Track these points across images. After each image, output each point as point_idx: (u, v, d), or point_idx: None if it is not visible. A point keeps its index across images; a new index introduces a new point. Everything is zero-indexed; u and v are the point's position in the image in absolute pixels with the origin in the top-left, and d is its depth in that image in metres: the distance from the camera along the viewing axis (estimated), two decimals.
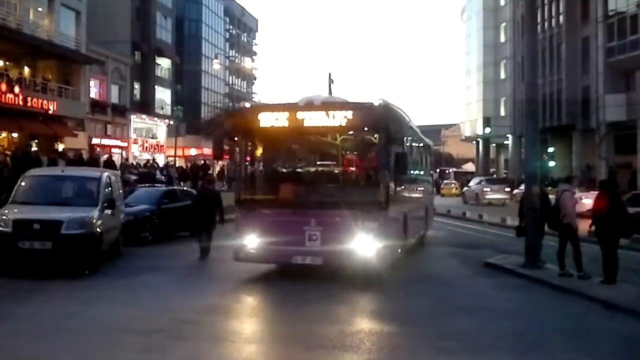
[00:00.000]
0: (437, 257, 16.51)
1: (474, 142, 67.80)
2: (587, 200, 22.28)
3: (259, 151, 13.01)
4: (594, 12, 42.41)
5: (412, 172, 15.24)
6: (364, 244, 10.89)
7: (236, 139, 12.62)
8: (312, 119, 11.43)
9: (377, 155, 11.63)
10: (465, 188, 46.65)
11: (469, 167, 78.69)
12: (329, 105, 11.87)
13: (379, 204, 11.15)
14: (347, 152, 13.39)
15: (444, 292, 11.29)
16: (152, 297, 9.99)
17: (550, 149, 44.91)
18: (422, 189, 18.02)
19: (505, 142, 59.01)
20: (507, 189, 42.55)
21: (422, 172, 18.34)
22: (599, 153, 41.88)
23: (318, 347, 7.34)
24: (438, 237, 20.79)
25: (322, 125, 11.52)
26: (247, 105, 13.35)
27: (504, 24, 59.07)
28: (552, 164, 41.91)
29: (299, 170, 13.51)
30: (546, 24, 47.60)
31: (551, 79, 46.70)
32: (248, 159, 12.66)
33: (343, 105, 12.14)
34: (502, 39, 59.42)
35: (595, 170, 41.35)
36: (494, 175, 57.93)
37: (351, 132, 12.19)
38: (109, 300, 9.89)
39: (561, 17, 46.49)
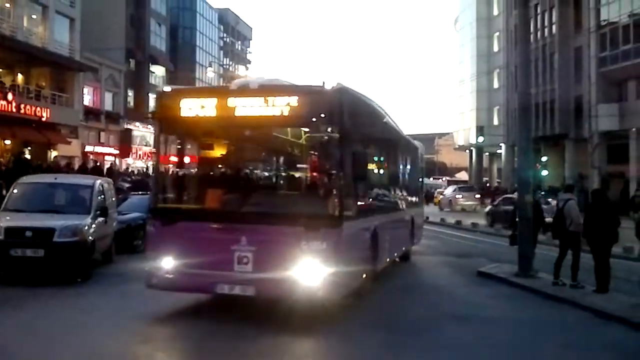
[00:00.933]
0: (430, 266, 16.49)
1: (467, 151, 67.97)
2: None
3: (181, 148, 10.41)
4: (586, 22, 42.69)
5: (389, 177, 13.62)
6: (310, 270, 8.39)
7: (155, 131, 10.04)
8: (248, 107, 8.97)
9: (331, 155, 9.04)
10: (441, 196, 48.54)
11: (462, 175, 78.86)
12: (268, 89, 9.19)
13: (330, 218, 8.60)
14: (292, 150, 11.20)
15: (437, 301, 11.27)
16: (144, 305, 9.95)
17: (544, 158, 45.20)
18: (405, 197, 15.72)
19: (499, 151, 59.20)
20: (477, 196, 47.12)
21: (405, 178, 16.24)
22: (591, 162, 42.07)
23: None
24: (430, 245, 20.80)
25: (260, 115, 8.94)
26: (167, 88, 9.84)
27: (497, 34, 59.37)
28: (544, 173, 42.14)
29: (228, 172, 10.97)
30: (539, 33, 47.89)
31: (544, 89, 46.92)
32: (167, 157, 10.17)
33: (287, 89, 9.45)
34: (495, 48, 59.70)
35: (588, 179, 41.54)
36: (487, 184, 58.10)
37: (297, 124, 9.64)
38: (102, 308, 9.85)
39: (554, 27, 46.77)
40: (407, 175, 16.51)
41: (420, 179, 20.25)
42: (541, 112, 47.02)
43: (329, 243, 8.45)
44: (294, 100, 8.79)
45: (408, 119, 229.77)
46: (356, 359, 7.56)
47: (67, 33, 37.76)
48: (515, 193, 39.71)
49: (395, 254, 14.16)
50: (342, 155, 8.79)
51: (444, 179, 74.55)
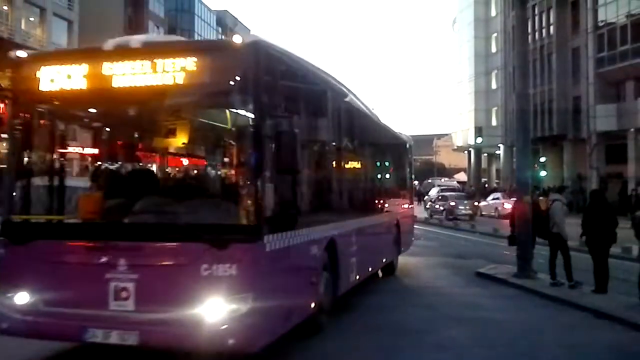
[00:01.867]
0: (428, 267, 16.47)
1: (466, 151, 67.99)
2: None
3: (42, 134, 7.31)
4: (584, 22, 42.76)
5: (358, 173, 11.13)
6: (216, 307, 5.84)
7: (8, 113, 7.42)
8: (128, 75, 6.27)
9: (246, 138, 6.25)
10: (426, 197, 48.27)
11: (461, 177, 78.84)
12: (156, 48, 6.55)
13: (244, 229, 6.02)
14: (194, 134, 8.48)
15: (434, 302, 11.25)
16: None
17: (542, 159, 45.19)
18: (386, 197, 13.41)
19: (497, 152, 59.22)
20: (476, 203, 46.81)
21: (385, 175, 14.22)
22: (590, 163, 42.11)
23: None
24: (428, 246, 20.80)
25: (145, 85, 6.23)
26: (22, 53, 7.05)
27: (495, 35, 59.40)
28: (543, 173, 42.09)
29: (106, 168, 8.33)
30: (537, 34, 47.93)
31: (542, 89, 46.95)
32: (25, 148, 7.05)
33: (181, 47, 6.84)
34: (494, 49, 59.74)
35: (586, 180, 41.55)
36: (486, 185, 58.19)
37: (197, 95, 6.57)
38: None
39: (552, 28, 46.85)
40: (388, 172, 14.52)
41: (409, 177, 17.76)
42: (539, 113, 47.03)
43: (243, 265, 5.82)
44: (191, 62, 6.07)
45: (407, 120, 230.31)
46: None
47: (65, 36, 37.80)
48: (500, 193, 41.01)
49: (371, 269, 11.48)
50: (261, 138, 6.06)
51: (443, 179, 74.52)
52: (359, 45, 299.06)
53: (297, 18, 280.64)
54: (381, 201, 13.06)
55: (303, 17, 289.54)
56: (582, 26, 43.23)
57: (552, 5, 46.42)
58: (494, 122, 59.18)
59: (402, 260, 17.44)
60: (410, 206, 17.48)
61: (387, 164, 14.40)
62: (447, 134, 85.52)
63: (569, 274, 12.19)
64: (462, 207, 37.44)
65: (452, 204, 37.75)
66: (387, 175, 14.55)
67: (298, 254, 7.11)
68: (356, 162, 11.00)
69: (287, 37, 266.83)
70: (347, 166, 10.10)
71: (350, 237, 9.62)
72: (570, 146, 45.40)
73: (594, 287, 11.64)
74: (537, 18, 48.11)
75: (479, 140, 51.31)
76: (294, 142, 6.36)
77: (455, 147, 71.12)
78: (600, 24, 40.71)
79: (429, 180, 68.42)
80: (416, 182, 75.40)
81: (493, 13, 60.45)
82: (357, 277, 10.08)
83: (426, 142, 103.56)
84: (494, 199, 41.79)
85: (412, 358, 7.62)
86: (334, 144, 9.25)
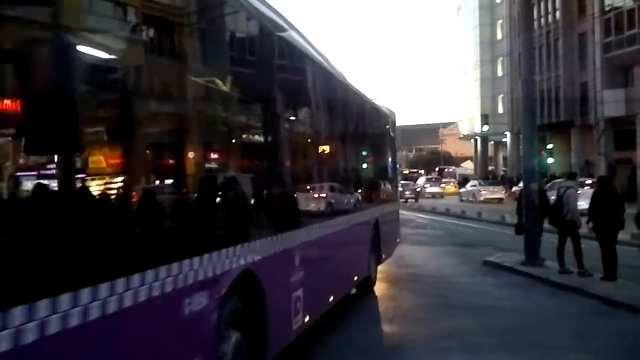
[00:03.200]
0: (436, 256, 16.41)
1: (472, 140, 67.77)
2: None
3: None
4: (590, 7, 42.41)
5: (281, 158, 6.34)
6: None
7: None
8: None
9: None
10: (415, 184, 51.83)
11: (468, 165, 78.67)
12: None
13: None
14: None
15: (442, 291, 11.20)
16: None
17: (549, 146, 44.95)
18: (360, 193, 10.54)
19: (504, 139, 59.01)
20: (442, 185, 55.01)
21: (358, 162, 10.86)
22: (598, 149, 41.86)
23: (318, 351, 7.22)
24: (436, 235, 20.74)
25: None
26: None
27: (500, 21, 59.06)
28: (550, 160, 41.91)
29: None
30: (542, 20, 47.61)
31: (548, 76, 46.68)
32: None
33: None
34: (499, 36, 59.42)
35: (595, 166, 41.32)
36: (493, 173, 58.11)
37: None
38: None
39: (557, 13, 46.54)
40: (362, 156, 11.07)
41: (393, 162, 14.26)
42: (546, 100, 46.80)
43: None
44: None
45: (412, 109, 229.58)
46: (354, 347, 7.47)
47: None
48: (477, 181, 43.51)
49: (334, 297, 7.99)
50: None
51: (451, 168, 74.42)
52: (363, 34, 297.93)
53: (301, 6, 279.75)
54: (351, 197, 9.62)
55: (307, 6, 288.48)
56: (588, 11, 42.89)
57: None
58: (500, 110, 58.95)
59: (409, 249, 17.40)
60: (394, 201, 14.19)
61: (360, 145, 10.95)
62: (453, 123, 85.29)
63: (580, 261, 12.09)
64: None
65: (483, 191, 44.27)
66: (361, 161, 10.94)
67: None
68: (305, 142, 7.55)
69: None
70: (285, 147, 6.46)
71: (288, 261, 6.01)
72: (577, 133, 45.16)
73: (603, 275, 11.55)
74: (542, 3, 47.77)
75: (486, 128, 51.19)
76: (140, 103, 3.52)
77: (462, 136, 70.97)
78: (607, 8, 40.34)
79: (451, 169, 69.25)
80: (422, 171, 75.85)
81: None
82: (306, 318, 6.42)
83: (432, 131, 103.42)
84: (472, 186, 47.00)
85: (419, 346, 7.56)
86: (261, 111, 5.96)
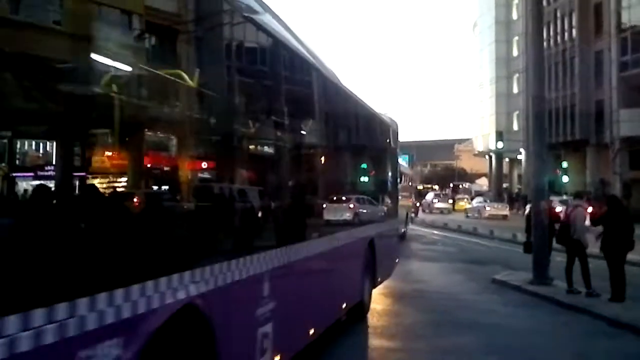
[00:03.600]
0: (443, 273, 16.32)
1: (487, 156, 67.50)
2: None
3: None
4: (607, 25, 42.28)
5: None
6: None
7: None
8: None
9: None
10: (423, 200, 53.35)
11: (483, 182, 78.31)
12: None
13: None
14: None
15: (447, 308, 11.14)
16: None
17: (564, 164, 44.69)
18: (353, 209, 9.13)
19: (519, 156, 58.71)
20: (450, 200, 56.38)
21: (353, 175, 9.84)
22: (613, 168, 41.57)
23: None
24: (446, 251, 20.62)
25: None
26: None
27: (516, 38, 58.98)
28: (565, 179, 41.67)
29: None
30: (559, 37, 47.56)
31: (564, 93, 46.52)
32: None
33: None
34: (515, 52, 59.33)
35: (610, 185, 40.99)
36: (508, 191, 57.80)
37: None
38: None
39: (574, 31, 46.43)
40: (359, 169, 10.11)
41: (393, 175, 13.14)
42: (561, 117, 46.62)
43: None
44: None
45: (428, 125, 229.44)
46: None
47: None
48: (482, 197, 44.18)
49: (314, 330, 6.77)
50: None
51: (466, 185, 74.20)
52: (379, 50, 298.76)
53: (315, 20, 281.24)
54: (340, 213, 8.51)
55: (321, 20, 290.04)
56: (605, 29, 42.76)
57: (574, 8, 45.99)
58: (515, 127, 58.70)
59: (418, 265, 17.36)
60: (393, 217, 12.79)
61: (354, 156, 9.93)
62: (468, 139, 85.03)
63: (587, 281, 11.98)
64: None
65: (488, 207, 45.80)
66: (354, 173, 9.90)
67: None
68: (283, 148, 6.23)
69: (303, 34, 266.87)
70: (266, 157, 5.92)
71: (253, 291, 4.98)
72: (593, 151, 44.88)
73: (611, 295, 11.43)
74: (559, 21, 47.74)
75: (500, 144, 50.75)
76: None
77: (476, 152, 70.70)
78: (624, 27, 40.20)
79: (466, 185, 69.99)
80: (436, 187, 75.62)
81: (515, 16, 60.02)
82: (276, 359, 5.41)
83: (447, 147, 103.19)
84: (477, 202, 48.24)
85: None
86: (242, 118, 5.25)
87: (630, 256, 12.28)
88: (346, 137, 9.44)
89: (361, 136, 10.47)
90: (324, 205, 7.62)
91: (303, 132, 7.07)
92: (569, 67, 46.72)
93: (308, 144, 7.22)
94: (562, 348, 8.48)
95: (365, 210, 9.95)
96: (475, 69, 67.76)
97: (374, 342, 8.49)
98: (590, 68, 45.02)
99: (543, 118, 13.98)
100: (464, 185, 75.26)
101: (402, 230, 23.67)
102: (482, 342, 8.61)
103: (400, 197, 18.13)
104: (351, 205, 9.09)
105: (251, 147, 5.60)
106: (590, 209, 27.73)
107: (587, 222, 12.63)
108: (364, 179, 10.45)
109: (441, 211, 49.93)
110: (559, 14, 47.65)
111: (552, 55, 48.12)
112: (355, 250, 8.99)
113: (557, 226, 12.99)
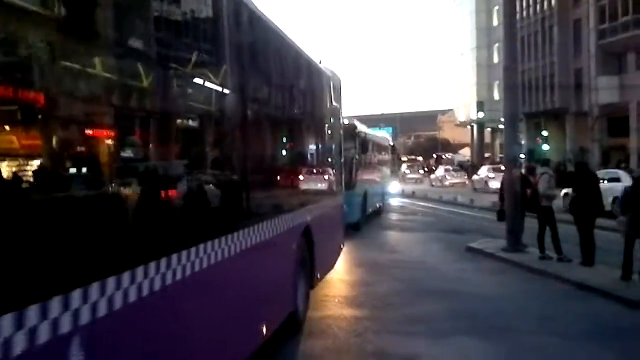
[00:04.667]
0: (420, 243, 16.48)
1: (469, 127, 67.70)
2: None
3: None
4: None
5: None
6: None
7: None
8: None
9: None
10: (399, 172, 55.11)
11: (466, 152, 78.59)
12: None
13: None
14: None
15: (419, 277, 11.28)
16: None
17: (544, 133, 45.01)
18: (281, 189, 7.23)
19: (500, 126, 58.83)
20: (421, 171, 59.72)
21: (281, 143, 7.44)
22: (592, 136, 41.87)
23: (280, 332, 7.29)
24: (425, 222, 20.78)
25: None
26: None
27: (497, 8, 58.65)
28: (546, 147, 42.00)
29: None
30: (538, 6, 47.46)
31: (544, 63, 46.62)
32: None
33: None
34: (495, 22, 59.17)
35: (590, 153, 41.36)
36: (492, 160, 58.19)
37: None
38: None
39: (553, 0, 46.33)
40: (289, 135, 7.82)
41: (335, 145, 10.35)
42: (541, 86, 46.73)
43: None
44: None
45: (411, 96, 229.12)
46: (317, 334, 7.53)
47: None
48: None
49: None
50: None
51: (449, 156, 74.56)
52: (361, 20, 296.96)
53: None
54: (253, 196, 5.64)
55: None
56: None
57: None
58: (496, 97, 58.74)
59: (396, 236, 17.51)
60: (336, 194, 10.31)
61: (275, 118, 7.25)
62: (451, 110, 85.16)
63: (557, 247, 12.18)
64: None
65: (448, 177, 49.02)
66: (278, 141, 7.27)
67: None
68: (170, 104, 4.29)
69: (286, 9, 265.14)
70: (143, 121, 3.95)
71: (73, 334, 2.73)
72: (572, 119, 45.14)
73: (581, 260, 11.63)
74: None
75: (481, 115, 51.10)
76: None
77: (458, 123, 70.85)
78: None
79: (449, 156, 70.07)
80: (420, 158, 75.90)
81: None
82: None
83: (431, 118, 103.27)
84: (439, 173, 51.66)
85: (384, 330, 7.65)
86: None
87: (608, 222, 12.46)
88: (269, 92, 6.81)
89: (287, 89, 7.63)
90: (229, 188, 5.09)
91: (256, 99, 5.83)
92: (548, 36, 46.71)
93: (202, 93, 4.78)
94: (527, 312, 8.65)
95: (296, 190, 7.72)
96: (457, 39, 67.59)
97: (342, 311, 8.60)
98: (569, 37, 45.06)
99: (516, 88, 14.05)
100: (447, 156, 75.47)
101: (378, 205, 23.27)
102: (449, 309, 8.74)
103: (358, 170, 17.75)
104: (273, 184, 6.67)
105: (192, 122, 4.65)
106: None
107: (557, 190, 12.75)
108: (296, 148, 8.11)
109: (415, 181, 53.33)
110: None
111: (531, 24, 48.06)
112: (281, 247, 6.61)
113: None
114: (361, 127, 19.57)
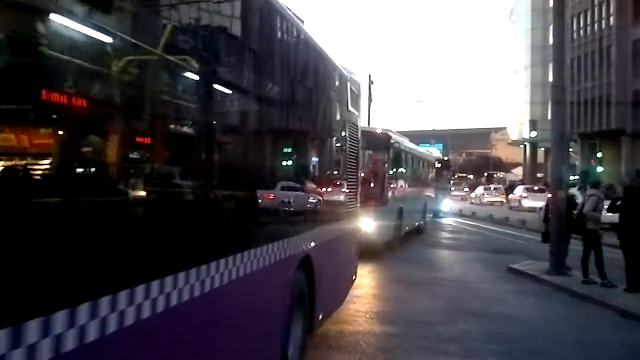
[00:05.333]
0: (462, 262, 16.27)
1: (522, 145, 66.62)
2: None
3: None
4: None
5: None
6: None
7: None
8: None
9: None
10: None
11: (518, 171, 77.30)
12: None
13: None
14: None
15: (458, 296, 11.15)
16: None
17: (599, 154, 43.86)
18: (272, 215, 5.41)
19: None
20: (466, 189, 60.25)
21: (280, 157, 5.87)
22: None
23: (311, 346, 7.32)
24: (471, 240, 20.51)
25: None
26: None
27: (552, 26, 57.99)
28: (600, 169, 40.91)
29: None
30: (596, 25, 46.54)
31: (600, 82, 45.61)
32: None
33: None
34: (551, 40, 58.24)
35: None
36: (545, 181, 57.06)
37: None
38: None
39: (611, 19, 45.37)
40: (261, 145, 5.33)
41: (349, 156, 8.42)
42: (597, 106, 45.75)
43: None
44: None
45: (465, 113, 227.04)
46: (345, 349, 7.52)
47: None
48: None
49: None
50: None
51: (501, 174, 73.52)
52: (416, 39, 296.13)
53: (351, 9, 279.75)
54: (240, 219, 4.57)
55: (357, 8, 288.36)
56: None
57: None
58: (550, 116, 57.80)
59: (438, 254, 17.35)
60: (349, 215, 8.52)
61: (281, 119, 5.89)
62: (503, 128, 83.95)
63: (601, 271, 11.87)
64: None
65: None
66: (279, 150, 5.89)
67: None
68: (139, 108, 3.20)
69: (337, 28, 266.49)
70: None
71: None
72: (628, 141, 43.98)
73: (626, 286, 11.30)
74: (596, 8, 46.69)
75: (534, 134, 50.23)
76: None
77: (510, 141, 69.83)
78: None
79: (501, 175, 69.32)
80: (471, 176, 74.97)
81: (551, 3, 58.78)
82: None
83: (483, 135, 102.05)
84: (478, 191, 53.71)
85: (414, 348, 7.59)
86: None
87: None
88: (266, 85, 5.23)
89: (287, 85, 5.89)
90: (187, 207, 3.75)
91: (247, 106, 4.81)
92: (605, 55, 45.73)
93: (176, 92, 3.65)
94: (565, 337, 8.43)
95: (291, 211, 5.87)
96: (511, 56, 66.78)
97: (373, 327, 8.56)
98: (627, 57, 44.00)
99: (563, 108, 13.81)
100: (498, 174, 74.42)
101: (417, 224, 21.54)
102: (483, 330, 8.61)
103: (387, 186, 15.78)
104: (252, 204, 4.85)
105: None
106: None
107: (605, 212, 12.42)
108: (297, 159, 6.28)
109: (460, 198, 54.12)
110: (596, 2, 46.61)
111: (588, 43, 47.13)
112: (265, 285, 4.99)
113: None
114: (397, 138, 17.90)
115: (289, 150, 6.09)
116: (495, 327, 8.79)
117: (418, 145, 30.19)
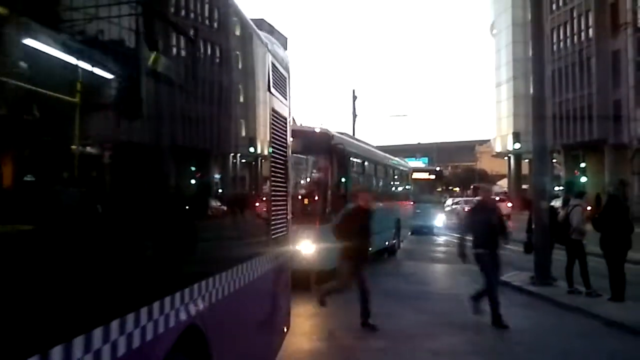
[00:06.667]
0: (447, 275, 16.33)
1: (506, 158, 67.10)
2: None
3: None
4: (624, 24, 41.90)
5: None
6: None
7: None
8: None
9: None
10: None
11: (503, 183, 77.68)
12: None
13: None
14: None
15: (443, 309, 11.18)
16: None
17: (582, 165, 44.29)
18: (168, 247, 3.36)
19: None
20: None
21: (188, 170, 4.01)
22: (632, 168, 41.07)
23: None
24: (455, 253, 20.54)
25: None
26: None
27: (531, 38, 58.68)
28: (583, 179, 41.30)
29: None
30: (575, 37, 47.21)
31: (582, 93, 46.16)
32: None
33: None
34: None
35: (629, 185, 40.51)
36: (524, 192, 57.43)
37: None
38: None
39: (591, 31, 46.04)
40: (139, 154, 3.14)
41: (279, 163, 6.36)
42: (579, 118, 46.24)
43: None
44: None
45: (448, 126, 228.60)
46: None
47: None
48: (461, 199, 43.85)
49: None
50: None
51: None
52: (397, 52, 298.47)
53: (334, 24, 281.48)
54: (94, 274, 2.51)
55: (340, 24, 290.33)
56: (622, 28, 42.39)
57: (590, 8, 45.61)
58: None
59: (424, 267, 17.38)
60: (277, 244, 6.33)
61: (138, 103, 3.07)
62: (488, 140, 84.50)
63: (586, 281, 11.95)
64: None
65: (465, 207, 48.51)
66: (170, 161, 3.64)
67: None
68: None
69: (323, 43, 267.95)
70: None
71: None
72: (611, 151, 44.43)
73: (610, 295, 11.39)
74: (575, 21, 47.38)
75: (517, 145, 50.74)
76: None
77: (495, 153, 70.30)
78: None
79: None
80: (457, 189, 75.17)
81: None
82: None
83: (468, 148, 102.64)
84: (454, 203, 46.49)
85: None
86: None
87: (632, 255, 12.15)
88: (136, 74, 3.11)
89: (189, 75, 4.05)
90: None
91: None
92: (585, 67, 46.35)
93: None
94: (550, 348, 8.49)
95: (165, 251, 3.43)
96: (493, 70, 67.47)
97: (362, 343, 8.58)
98: (607, 68, 44.60)
99: (544, 120, 13.98)
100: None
101: (386, 243, 18.21)
102: (471, 341, 8.68)
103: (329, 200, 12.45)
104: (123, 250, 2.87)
105: None
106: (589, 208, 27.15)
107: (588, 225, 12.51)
108: (199, 174, 4.41)
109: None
110: (575, 14, 47.30)
111: (568, 55, 47.75)
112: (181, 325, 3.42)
113: None
114: (344, 139, 14.23)
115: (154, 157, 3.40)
116: (482, 339, 8.90)
117: (405, 159, 29.90)
